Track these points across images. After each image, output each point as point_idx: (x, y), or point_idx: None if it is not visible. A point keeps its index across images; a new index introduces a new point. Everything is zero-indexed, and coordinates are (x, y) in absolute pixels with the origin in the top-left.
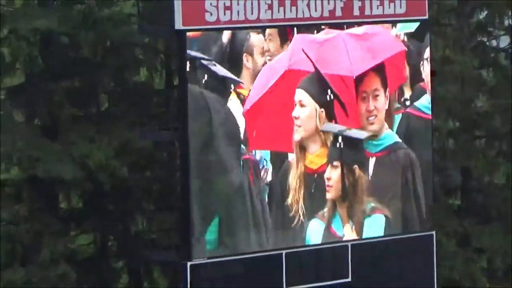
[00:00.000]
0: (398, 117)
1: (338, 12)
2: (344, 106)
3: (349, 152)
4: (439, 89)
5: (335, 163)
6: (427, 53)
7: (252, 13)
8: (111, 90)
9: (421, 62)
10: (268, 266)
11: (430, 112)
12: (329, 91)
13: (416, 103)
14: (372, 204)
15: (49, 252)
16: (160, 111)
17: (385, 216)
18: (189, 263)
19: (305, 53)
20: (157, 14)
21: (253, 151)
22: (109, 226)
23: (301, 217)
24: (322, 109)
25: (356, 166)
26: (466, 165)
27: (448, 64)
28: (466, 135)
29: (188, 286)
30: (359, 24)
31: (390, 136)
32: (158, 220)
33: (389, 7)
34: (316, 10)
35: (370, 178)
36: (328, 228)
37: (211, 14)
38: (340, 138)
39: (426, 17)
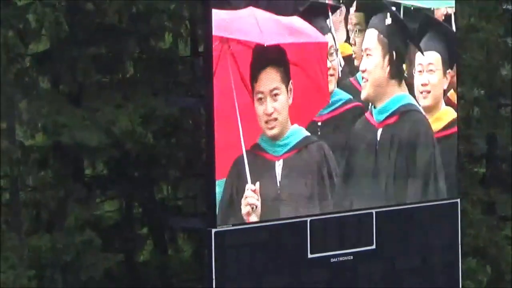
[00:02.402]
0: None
1: None
2: None
3: None
4: (465, 57)
5: None
6: None
7: None
8: (137, 56)
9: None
10: (293, 233)
11: None
12: None
13: None
14: None
15: (74, 219)
16: (185, 78)
17: None
18: (214, 230)
19: None
20: None
21: None
22: (134, 193)
23: None
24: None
25: None
26: (491, 133)
27: (473, 32)
28: (492, 103)
29: (213, 253)
30: None
31: (296, 132)
32: (183, 187)
33: None
34: None
35: (278, 185)
36: None
37: None
38: None
39: None
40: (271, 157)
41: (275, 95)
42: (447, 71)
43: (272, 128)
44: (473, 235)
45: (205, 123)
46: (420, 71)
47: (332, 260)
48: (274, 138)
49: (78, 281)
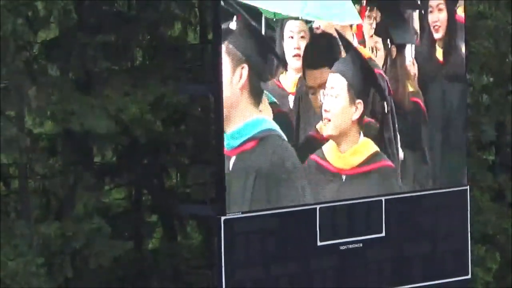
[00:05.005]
0: None
1: None
2: None
3: None
4: (473, 44)
5: None
6: None
7: None
8: (146, 44)
9: None
10: (302, 220)
11: None
12: None
13: None
14: None
15: (83, 206)
16: (194, 65)
17: None
18: (223, 218)
19: None
20: None
21: None
22: (144, 180)
23: None
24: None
25: None
26: (500, 120)
27: (482, 19)
28: (500, 90)
29: (222, 240)
30: None
31: None
32: (193, 174)
33: None
34: None
35: None
36: None
37: None
38: None
39: None
40: None
41: None
42: (356, 101)
43: None
44: (482, 222)
45: (214, 110)
46: (326, 95)
47: (342, 247)
48: None
49: (87, 268)
